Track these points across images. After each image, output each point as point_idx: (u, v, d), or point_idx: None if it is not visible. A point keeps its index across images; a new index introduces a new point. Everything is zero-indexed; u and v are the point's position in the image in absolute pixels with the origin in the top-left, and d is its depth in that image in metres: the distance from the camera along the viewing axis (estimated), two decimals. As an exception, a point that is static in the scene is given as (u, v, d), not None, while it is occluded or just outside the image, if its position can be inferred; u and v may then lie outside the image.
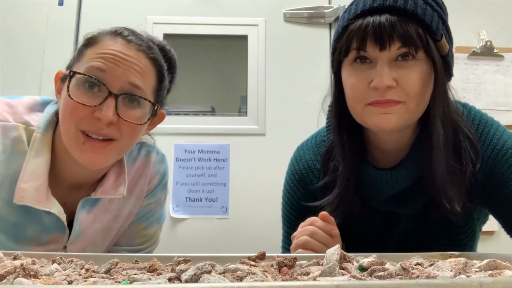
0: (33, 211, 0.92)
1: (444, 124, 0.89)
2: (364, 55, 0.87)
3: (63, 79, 0.92)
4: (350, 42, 0.87)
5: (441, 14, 0.89)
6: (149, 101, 0.93)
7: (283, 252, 1.09)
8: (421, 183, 0.93)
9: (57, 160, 0.95)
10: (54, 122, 0.96)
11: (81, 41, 0.96)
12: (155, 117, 1.00)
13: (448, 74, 0.93)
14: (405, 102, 0.86)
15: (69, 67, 0.94)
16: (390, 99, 0.86)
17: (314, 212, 1.03)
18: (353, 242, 1.01)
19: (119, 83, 0.88)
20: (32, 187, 0.90)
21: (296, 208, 1.07)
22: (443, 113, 0.89)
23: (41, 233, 0.95)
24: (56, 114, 0.96)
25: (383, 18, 0.84)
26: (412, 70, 0.86)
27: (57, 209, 0.93)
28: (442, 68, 0.89)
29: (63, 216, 0.94)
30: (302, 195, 1.06)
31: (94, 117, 0.87)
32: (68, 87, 0.88)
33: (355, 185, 0.96)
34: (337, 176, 0.97)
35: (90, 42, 0.93)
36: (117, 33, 0.93)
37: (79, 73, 0.88)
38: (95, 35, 0.94)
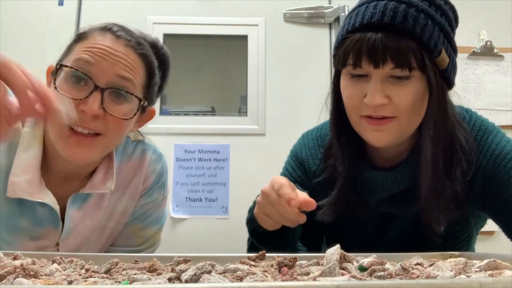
0: (27, 203, 0.93)
1: (435, 144, 0.88)
2: (360, 72, 0.88)
3: (54, 73, 0.93)
4: (347, 56, 0.89)
5: (444, 26, 0.88)
6: (136, 96, 0.92)
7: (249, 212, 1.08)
8: (417, 187, 0.93)
9: (48, 153, 0.96)
10: None
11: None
12: (143, 114, 1.00)
13: (448, 85, 0.92)
14: (398, 117, 0.88)
15: (59, 62, 0.94)
16: (382, 115, 0.87)
17: None
18: (347, 241, 1.02)
19: (106, 77, 0.89)
20: (24, 180, 0.91)
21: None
22: (436, 132, 0.89)
23: (34, 226, 0.95)
24: None
25: (379, 36, 0.84)
26: (406, 88, 0.86)
27: (50, 200, 0.93)
28: (439, 85, 0.88)
29: (56, 207, 0.94)
30: (299, 177, 1.09)
31: (79, 110, 0.87)
32: (54, 80, 0.89)
33: (353, 184, 0.97)
34: (335, 175, 0.98)
35: (80, 37, 0.93)
36: (106, 28, 0.93)
37: (66, 66, 0.88)
38: (86, 31, 0.94)
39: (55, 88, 0.88)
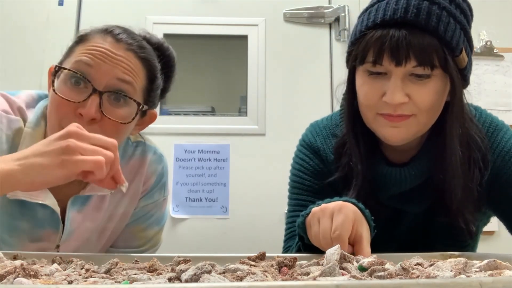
0: (28, 205, 0.93)
1: (461, 144, 0.88)
2: (379, 70, 0.86)
3: (54, 74, 0.92)
4: (367, 53, 0.86)
5: (464, 25, 0.87)
6: (134, 100, 0.91)
7: (288, 224, 1.05)
8: (429, 184, 0.93)
9: None
10: (46, 115, 0.96)
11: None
12: (144, 117, 0.99)
13: (465, 83, 0.92)
14: (416, 115, 0.86)
15: (60, 63, 0.94)
16: (402, 114, 0.86)
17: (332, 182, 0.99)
18: None
19: (105, 80, 0.88)
20: None
21: (311, 173, 1.05)
22: (461, 133, 0.88)
23: (34, 228, 0.95)
24: None
25: (402, 33, 0.82)
26: (426, 86, 0.85)
27: (51, 201, 0.93)
28: (460, 84, 0.87)
29: (57, 209, 0.94)
30: (317, 165, 1.05)
31: (77, 113, 0.86)
32: (53, 82, 0.88)
33: (370, 181, 0.96)
34: (349, 174, 0.97)
35: (81, 39, 0.93)
36: (107, 31, 0.93)
37: (65, 69, 0.88)
38: (87, 33, 0.93)
39: (54, 90, 0.87)
